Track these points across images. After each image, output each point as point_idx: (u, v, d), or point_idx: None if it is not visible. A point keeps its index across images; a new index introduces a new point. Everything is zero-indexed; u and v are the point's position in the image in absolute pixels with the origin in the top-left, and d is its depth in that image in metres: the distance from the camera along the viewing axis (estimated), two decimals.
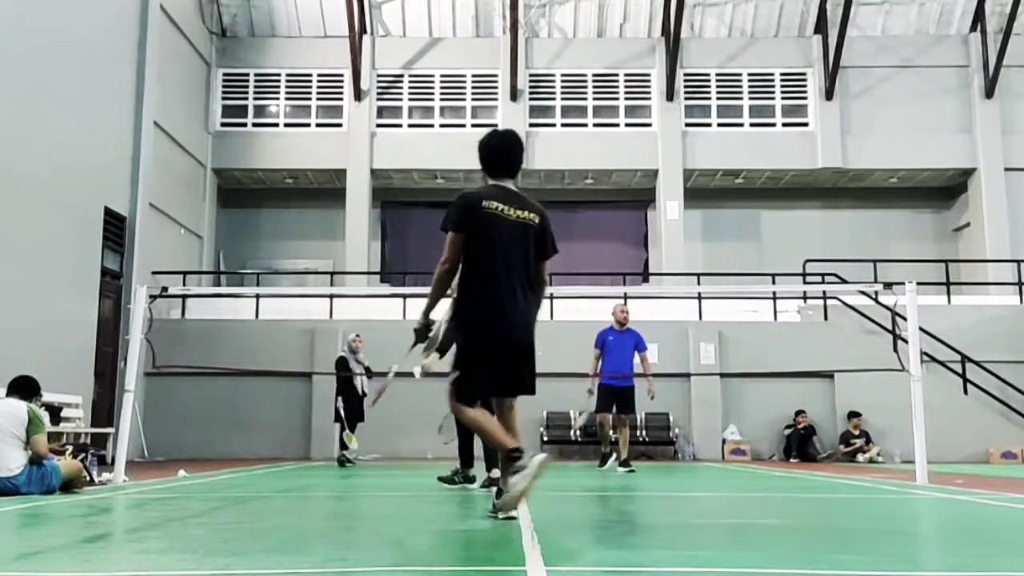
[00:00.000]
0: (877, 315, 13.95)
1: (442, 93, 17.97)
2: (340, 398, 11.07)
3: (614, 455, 9.84)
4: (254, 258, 18.02)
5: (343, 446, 11.20)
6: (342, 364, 11.07)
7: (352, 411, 10.99)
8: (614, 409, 9.69)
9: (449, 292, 4.31)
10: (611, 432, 9.90)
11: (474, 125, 17.88)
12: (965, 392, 13.86)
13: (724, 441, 13.95)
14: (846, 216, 18.53)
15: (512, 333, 4.17)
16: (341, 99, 17.89)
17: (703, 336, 14.20)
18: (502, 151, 4.34)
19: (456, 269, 4.21)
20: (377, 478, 8.64)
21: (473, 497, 5.88)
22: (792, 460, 13.52)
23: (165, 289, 9.06)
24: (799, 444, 13.72)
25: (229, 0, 17.60)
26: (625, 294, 13.19)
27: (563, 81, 17.98)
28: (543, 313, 16.89)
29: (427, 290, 4.35)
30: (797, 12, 17.91)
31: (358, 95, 17.58)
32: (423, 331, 4.39)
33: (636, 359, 9.87)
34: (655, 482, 7.98)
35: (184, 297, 14.59)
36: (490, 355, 4.15)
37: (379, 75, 17.93)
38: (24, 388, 6.18)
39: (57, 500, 5.56)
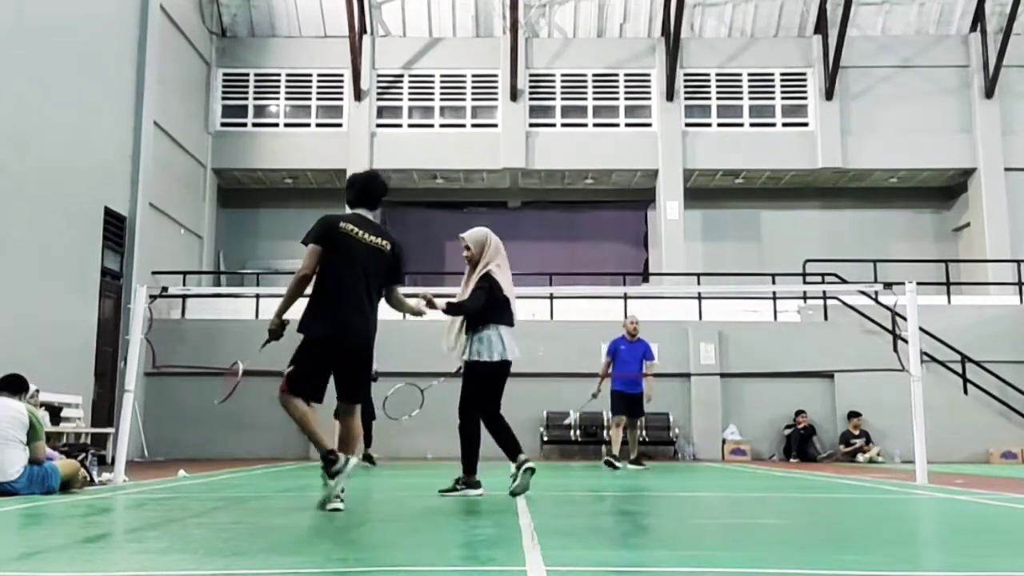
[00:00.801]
0: (877, 315, 13.95)
1: (442, 93, 17.97)
2: None
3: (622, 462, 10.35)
4: (254, 258, 18.02)
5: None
6: None
7: (363, 411, 10.96)
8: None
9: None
10: (622, 433, 10.47)
11: (474, 125, 17.89)
12: (965, 392, 13.85)
13: (724, 441, 13.95)
14: (846, 216, 18.53)
15: (349, 341, 4.72)
16: (341, 99, 17.90)
17: (703, 336, 14.20)
18: (360, 187, 4.99)
19: (311, 277, 4.75)
20: (376, 478, 8.64)
21: (477, 499, 5.88)
22: (792, 460, 13.52)
23: (165, 289, 9.06)
24: (799, 444, 13.72)
25: (229, 0, 17.60)
26: (625, 294, 13.21)
27: (563, 81, 17.98)
28: (542, 313, 16.91)
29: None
30: (797, 12, 17.91)
31: (358, 95, 17.58)
32: (278, 331, 4.85)
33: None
34: (655, 482, 7.98)
35: (184, 297, 14.58)
36: (325, 358, 4.70)
37: (379, 75, 17.93)
38: (14, 386, 6.15)
39: (57, 500, 5.56)
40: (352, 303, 4.70)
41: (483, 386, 5.73)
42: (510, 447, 5.67)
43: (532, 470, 5.60)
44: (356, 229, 4.78)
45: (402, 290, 5.09)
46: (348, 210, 5.05)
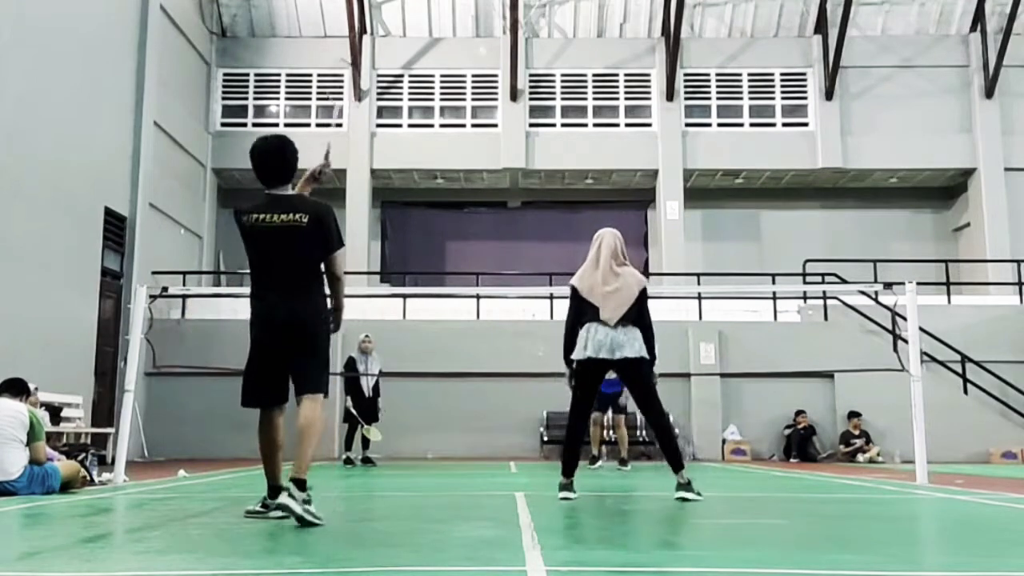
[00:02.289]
0: (877, 315, 13.94)
1: (442, 93, 17.97)
2: (348, 397, 11.08)
3: (603, 458, 10.50)
4: None
5: (348, 446, 11.19)
6: (350, 365, 11.02)
7: (365, 410, 10.92)
8: (609, 412, 10.45)
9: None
10: (603, 433, 10.60)
11: (474, 125, 17.88)
12: (965, 392, 13.85)
13: (724, 441, 13.94)
14: (846, 216, 18.53)
15: (272, 322, 4.29)
16: (341, 99, 17.89)
17: (703, 336, 14.20)
18: (257, 165, 4.40)
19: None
20: (377, 478, 8.64)
21: (474, 498, 5.88)
22: (792, 460, 13.52)
23: (165, 289, 9.05)
24: (799, 444, 13.72)
25: (229, 0, 17.60)
26: None
27: (563, 81, 17.98)
28: (542, 313, 16.84)
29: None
30: (797, 12, 17.91)
31: (358, 95, 17.58)
32: None
33: None
34: (655, 482, 7.98)
35: (184, 297, 14.58)
36: (259, 353, 4.33)
37: (379, 75, 17.93)
38: (15, 388, 6.18)
39: (57, 500, 5.56)
40: (267, 298, 4.30)
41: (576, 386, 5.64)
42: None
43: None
44: (261, 215, 4.30)
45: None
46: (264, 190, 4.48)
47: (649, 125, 17.80)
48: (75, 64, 11.85)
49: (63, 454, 7.07)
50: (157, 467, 10.60)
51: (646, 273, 18.02)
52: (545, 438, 13.59)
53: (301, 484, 4.02)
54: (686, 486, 5.40)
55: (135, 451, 12.49)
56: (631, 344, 5.45)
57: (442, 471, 10.00)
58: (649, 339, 5.55)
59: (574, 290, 5.66)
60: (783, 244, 17.98)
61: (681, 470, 5.48)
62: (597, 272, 5.61)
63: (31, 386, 7.50)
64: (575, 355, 5.56)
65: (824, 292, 14.42)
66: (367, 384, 10.97)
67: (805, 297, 14.94)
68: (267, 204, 4.35)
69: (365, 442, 11.16)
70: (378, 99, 17.88)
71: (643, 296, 5.58)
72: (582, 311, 5.59)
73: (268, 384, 4.32)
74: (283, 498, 3.97)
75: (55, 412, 10.17)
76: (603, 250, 5.67)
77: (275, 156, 4.39)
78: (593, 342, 5.46)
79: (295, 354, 4.29)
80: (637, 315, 5.51)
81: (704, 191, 18.26)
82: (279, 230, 4.27)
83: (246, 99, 17.88)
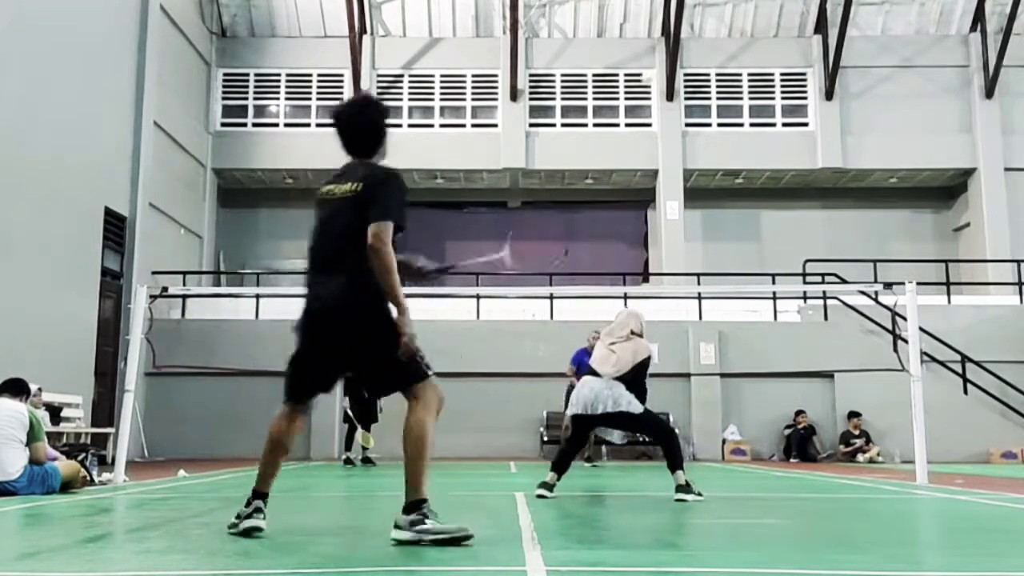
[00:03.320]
0: (877, 315, 13.93)
1: (442, 93, 17.97)
2: (348, 399, 10.95)
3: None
4: (254, 258, 18.01)
5: (348, 447, 11.14)
6: None
7: (362, 412, 10.81)
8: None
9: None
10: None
11: (474, 125, 17.88)
12: (965, 392, 13.85)
13: (724, 441, 13.94)
14: (846, 216, 18.52)
15: (312, 313, 3.64)
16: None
17: (703, 336, 14.19)
18: (339, 131, 3.85)
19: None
20: (377, 478, 8.63)
21: (474, 498, 5.88)
22: (792, 460, 13.51)
23: (165, 289, 9.06)
24: (799, 444, 13.72)
25: (229, 0, 17.60)
26: (625, 294, 13.19)
27: (563, 81, 17.98)
28: (542, 313, 16.81)
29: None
30: (797, 12, 17.90)
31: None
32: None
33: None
34: (655, 482, 7.98)
35: (184, 297, 14.57)
36: (298, 350, 3.72)
37: (379, 75, 17.92)
38: (15, 388, 6.17)
39: (57, 500, 5.55)
40: (315, 272, 3.68)
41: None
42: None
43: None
44: (330, 187, 3.74)
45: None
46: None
47: (649, 125, 17.79)
48: (75, 64, 11.85)
49: (63, 454, 7.07)
50: (157, 467, 10.60)
51: (646, 273, 18.05)
52: (545, 438, 13.58)
53: (415, 505, 3.41)
54: (684, 487, 5.43)
55: (135, 451, 12.48)
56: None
57: (442, 471, 9.99)
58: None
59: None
60: (783, 244, 17.97)
61: (679, 471, 5.50)
62: (604, 346, 6.18)
63: (34, 387, 7.52)
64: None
65: (824, 292, 14.41)
66: None
67: (805, 297, 14.94)
68: (340, 173, 3.77)
69: (348, 443, 11.06)
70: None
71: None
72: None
73: (302, 382, 3.76)
74: (395, 534, 3.37)
75: (55, 412, 10.17)
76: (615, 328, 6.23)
77: (352, 120, 3.84)
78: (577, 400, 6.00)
79: (345, 343, 3.56)
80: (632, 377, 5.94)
81: (704, 191, 18.25)
82: (338, 202, 3.65)
83: (246, 99, 17.87)
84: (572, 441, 6.13)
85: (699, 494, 5.46)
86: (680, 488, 5.48)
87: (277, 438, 3.73)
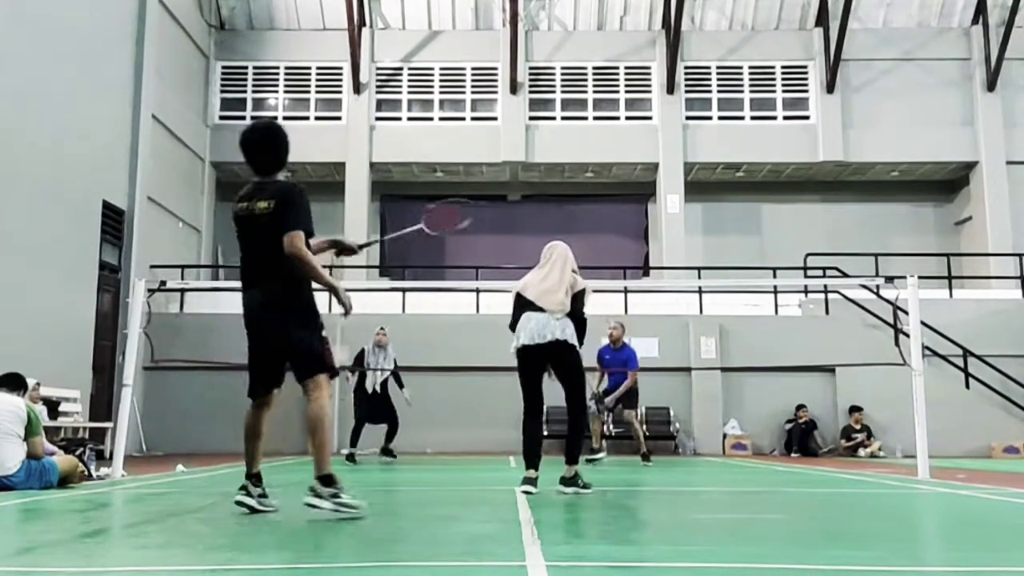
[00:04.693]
0: (878, 309, 13.90)
1: (442, 86, 17.91)
2: (354, 396, 10.61)
3: (603, 452, 10.56)
4: None
5: (353, 443, 10.80)
6: (359, 359, 10.59)
7: (369, 409, 10.39)
8: (618, 407, 10.41)
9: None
10: (603, 429, 10.74)
11: (474, 118, 17.83)
12: (967, 386, 13.83)
13: (725, 436, 13.92)
14: (847, 210, 18.48)
15: (252, 323, 4.30)
16: (340, 92, 17.83)
17: (704, 330, 14.17)
18: (246, 151, 4.42)
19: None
20: (377, 474, 8.62)
21: (474, 493, 5.86)
22: (793, 455, 13.50)
23: (163, 283, 9.00)
24: (800, 439, 13.70)
25: None
26: (625, 288, 13.19)
27: (563, 74, 17.92)
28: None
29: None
30: (798, 5, 17.84)
31: (357, 88, 17.53)
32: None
33: None
34: (656, 477, 7.96)
35: (182, 291, 14.55)
36: (250, 350, 4.35)
37: (378, 68, 17.87)
38: (13, 383, 6.15)
39: (55, 495, 5.53)
40: (249, 279, 4.33)
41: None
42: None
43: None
44: (245, 204, 4.30)
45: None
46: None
47: (650, 118, 17.74)
48: (73, 57, 11.80)
49: (61, 448, 7.04)
50: (155, 462, 10.59)
51: (647, 267, 18.02)
52: (545, 432, 13.54)
53: (326, 480, 4.04)
54: (571, 480, 5.51)
55: (133, 446, 12.47)
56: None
57: (441, 466, 10.00)
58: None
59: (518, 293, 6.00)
60: (784, 238, 17.94)
61: (572, 464, 5.64)
62: (538, 273, 6.00)
63: (32, 381, 7.49)
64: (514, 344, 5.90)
65: (825, 286, 14.39)
66: (374, 381, 10.42)
67: (806, 291, 14.92)
68: (252, 191, 4.33)
69: (389, 435, 10.68)
70: (377, 92, 17.82)
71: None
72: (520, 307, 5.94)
73: (259, 374, 4.35)
74: (309, 499, 4.00)
75: (53, 406, 10.15)
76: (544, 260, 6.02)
77: (261, 145, 4.39)
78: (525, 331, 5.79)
79: (278, 344, 4.26)
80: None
81: (705, 184, 18.21)
82: (256, 217, 4.24)
83: (245, 92, 17.82)
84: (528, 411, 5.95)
85: (585, 486, 5.51)
86: (565, 480, 5.52)
87: (249, 425, 4.42)
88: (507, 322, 6.00)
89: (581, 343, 5.75)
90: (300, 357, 4.22)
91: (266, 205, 4.21)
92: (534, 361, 5.75)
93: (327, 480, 4.02)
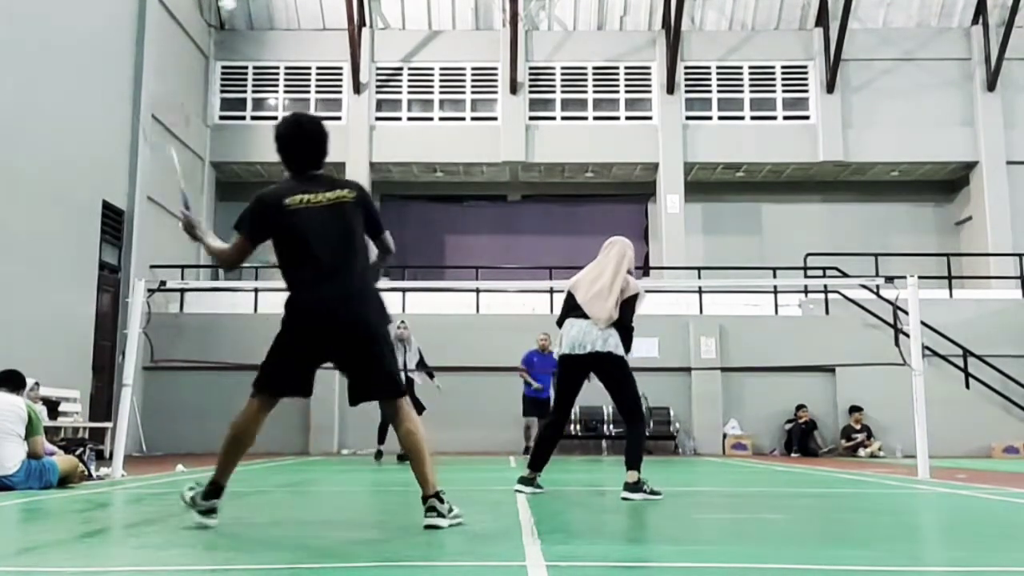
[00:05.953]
0: (878, 309, 13.89)
1: (441, 86, 17.90)
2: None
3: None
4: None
5: (380, 440, 10.57)
6: None
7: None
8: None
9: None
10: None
11: (474, 118, 17.83)
12: (967, 386, 13.82)
13: (725, 436, 13.92)
14: (847, 210, 18.48)
15: (323, 319, 3.87)
16: (340, 92, 17.83)
17: (704, 330, 14.17)
18: (283, 149, 4.15)
19: (231, 267, 4.39)
20: (376, 473, 8.62)
21: (473, 493, 5.86)
22: (793, 455, 13.50)
23: (163, 283, 9.00)
24: (800, 439, 13.70)
25: None
26: None
27: (563, 74, 17.92)
28: (542, 307, 16.78)
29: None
30: (798, 5, 17.84)
31: (357, 88, 17.52)
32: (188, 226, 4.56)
33: None
34: (655, 477, 7.95)
35: (182, 291, 14.54)
36: (289, 350, 3.88)
37: (378, 68, 17.86)
38: (12, 381, 6.14)
39: (55, 495, 5.53)
40: (323, 277, 3.93)
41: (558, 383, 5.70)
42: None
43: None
44: (302, 197, 3.98)
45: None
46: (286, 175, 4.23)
47: (649, 118, 17.74)
48: (72, 57, 11.79)
49: (61, 448, 7.04)
50: (155, 462, 10.58)
51: (647, 267, 18.02)
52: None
53: (438, 496, 3.74)
54: (635, 485, 5.20)
55: (133, 446, 12.46)
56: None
57: (441, 466, 9.95)
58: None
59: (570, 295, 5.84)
60: (784, 238, 17.94)
61: (634, 470, 5.27)
62: (590, 274, 5.80)
63: (32, 381, 7.48)
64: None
65: (825, 286, 14.38)
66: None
67: (806, 291, 14.91)
68: (304, 184, 4.03)
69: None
70: (377, 92, 17.82)
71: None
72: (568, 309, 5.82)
73: (300, 377, 3.87)
74: (432, 519, 3.63)
75: (53, 406, 10.14)
76: (601, 257, 5.83)
77: (318, 136, 4.13)
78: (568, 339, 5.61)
79: (359, 356, 3.81)
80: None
81: (705, 184, 18.21)
82: (329, 208, 3.94)
83: (245, 92, 17.82)
84: (557, 411, 5.61)
85: (654, 492, 5.20)
86: (628, 486, 5.19)
87: (246, 432, 4.01)
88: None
89: (628, 349, 5.47)
90: (384, 373, 3.84)
91: (347, 193, 3.95)
92: (573, 370, 5.51)
93: (439, 496, 3.73)
